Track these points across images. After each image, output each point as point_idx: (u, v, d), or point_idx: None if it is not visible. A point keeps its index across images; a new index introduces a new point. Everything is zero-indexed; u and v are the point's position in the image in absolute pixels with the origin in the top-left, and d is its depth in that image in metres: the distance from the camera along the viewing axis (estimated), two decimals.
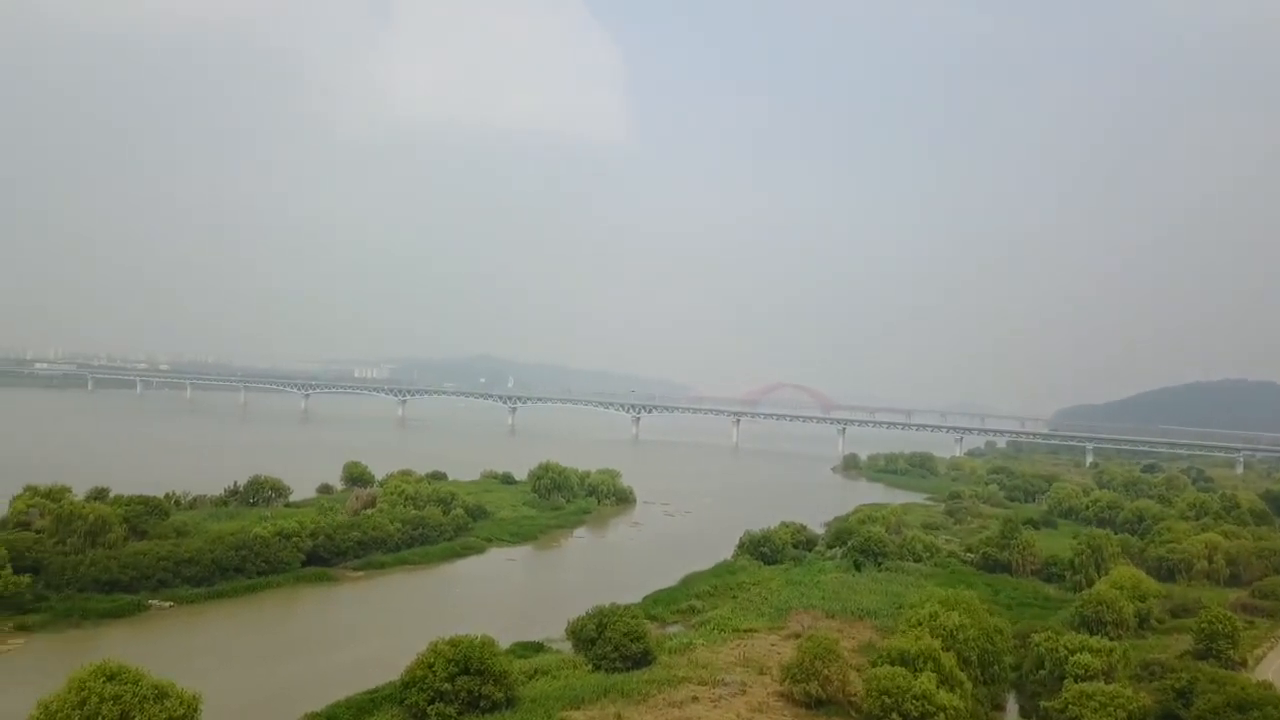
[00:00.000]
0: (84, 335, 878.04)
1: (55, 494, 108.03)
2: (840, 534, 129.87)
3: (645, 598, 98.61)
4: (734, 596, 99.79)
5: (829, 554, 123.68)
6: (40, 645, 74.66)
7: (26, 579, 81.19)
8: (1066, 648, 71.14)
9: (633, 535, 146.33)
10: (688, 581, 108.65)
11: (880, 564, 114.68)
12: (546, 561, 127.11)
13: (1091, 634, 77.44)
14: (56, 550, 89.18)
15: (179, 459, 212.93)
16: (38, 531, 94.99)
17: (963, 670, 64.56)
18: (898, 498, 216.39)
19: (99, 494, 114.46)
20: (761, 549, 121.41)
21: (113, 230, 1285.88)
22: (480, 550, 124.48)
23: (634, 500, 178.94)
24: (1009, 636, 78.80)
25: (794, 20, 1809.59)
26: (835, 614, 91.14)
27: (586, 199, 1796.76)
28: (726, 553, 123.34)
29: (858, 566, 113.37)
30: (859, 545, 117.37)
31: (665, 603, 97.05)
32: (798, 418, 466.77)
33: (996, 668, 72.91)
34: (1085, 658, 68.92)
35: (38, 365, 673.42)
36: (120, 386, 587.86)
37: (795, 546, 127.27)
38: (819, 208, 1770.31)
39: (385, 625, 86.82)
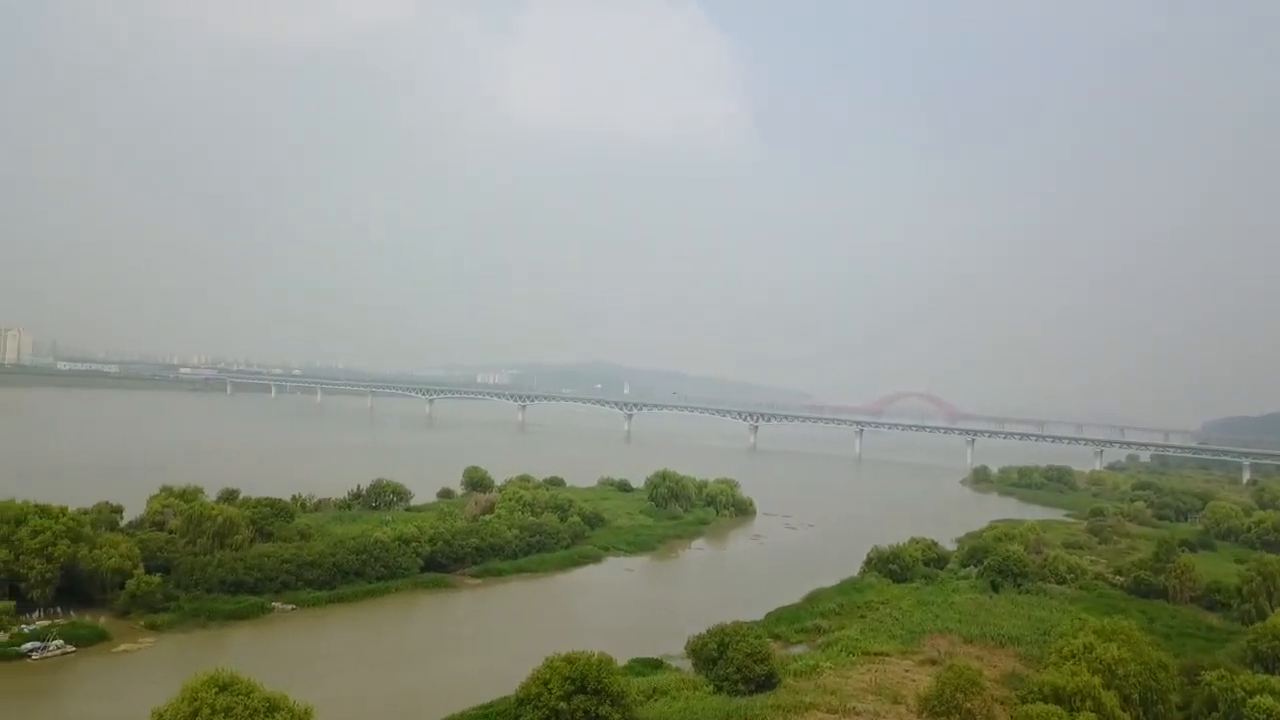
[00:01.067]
0: (224, 342, 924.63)
1: (188, 495, 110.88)
2: (975, 552, 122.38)
3: (768, 615, 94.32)
4: (862, 616, 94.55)
5: (963, 573, 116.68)
6: (168, 645, 75.65)
7: (157, 579, 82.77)
8: (1244, 688, 63.29)
9: (753, 548, 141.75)
10: (812, 599, 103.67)
11: (1020, 585, 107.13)
12: (664, 573, 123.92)
13: (1269, 672, 69.19)
14: (186, 551, 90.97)
15: (307, 461, 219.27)
16: (170, 532, 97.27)
17: (1124, 711, 58.11)
18: (1033, 514, 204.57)
19: (229, 496, 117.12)
20: (890, 566, 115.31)
21: (249, 243, 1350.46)
22: (597, 559, 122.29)
23: (754, 512, 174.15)
24: (1174, 673, 71.19)
25: (922, 17, 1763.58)
26: (974, 639, 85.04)
27: (703, 205, 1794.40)
28: (852, 569, 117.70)
29: (995, 587, 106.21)
30: (996, 564, 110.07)
31: (789, 621, 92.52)
32: (923, 428, 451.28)
33: (1161, 708, 65.64)
34: (1266, 700, 61.04)
35: (183, 370, 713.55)
36: (256, 390, 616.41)
37: (926, 564, 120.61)
38: (944, 212, 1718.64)
39: (501, 635, 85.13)
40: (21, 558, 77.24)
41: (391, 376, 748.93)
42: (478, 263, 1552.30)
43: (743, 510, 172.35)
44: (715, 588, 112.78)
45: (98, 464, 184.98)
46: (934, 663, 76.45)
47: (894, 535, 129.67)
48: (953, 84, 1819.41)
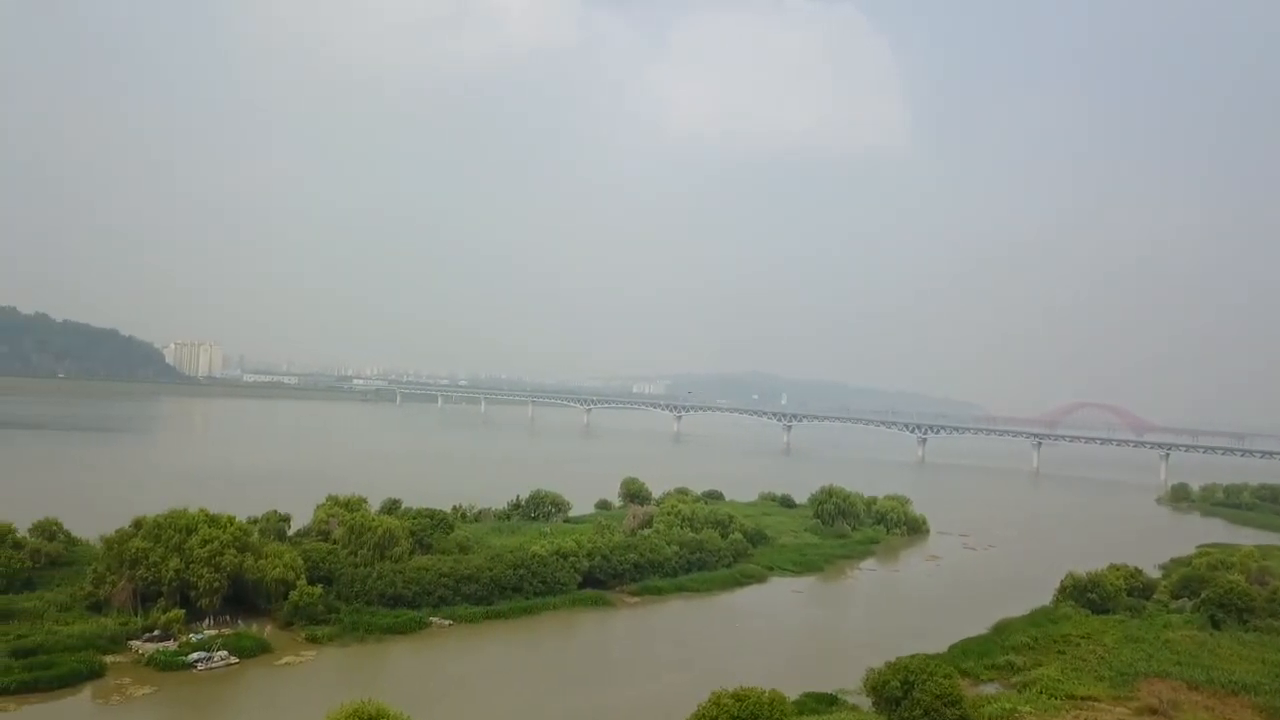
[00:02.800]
0: (395, 355, 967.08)
1: (353, 505, 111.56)
2: (1188, 581, 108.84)
3: (951, 647, 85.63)
4: (1060, 652, 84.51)
5: (1174, 605, 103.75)
6: (328, 659, 74.57)
7: (319, 590, 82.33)
8: None
9: (929, 571, 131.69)
10: (1000, 629, 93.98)
11: (1245, 622, 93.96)
12: (833, 596, 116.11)
13: None
14: (348, 562, 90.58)
15: (469, 470, 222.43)
16: (333, 542, 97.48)
17: None
18: (1245, 537, 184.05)
19: (391, 506, 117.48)
20: (1089, 595, 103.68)
21: (417, 259, 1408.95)
22: (761, 579, 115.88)
23: (927, 530, 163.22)
24: None
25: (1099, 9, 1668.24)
26: (1199, 685, 74.03)
27: (859, 209, 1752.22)
28: (1042, 596, 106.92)
29: (1215, 624, 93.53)
30: (1217, 597, 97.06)
31: (976, 655, 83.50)
32: (1109, 441, 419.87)
33: None
34: None
35: (356, 381, 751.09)
36: (423, 400, 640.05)
37: (1129, 594, 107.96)
38: (1108, 212, 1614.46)
39: (662, 659, 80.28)
40: (191, 566, 78.04)
41: (551, 386, 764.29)
42: (633, 275, 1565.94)
43: (915, 529, 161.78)
44: (889, 614, 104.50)
45: (273, 471, 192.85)
46: (1155, 712, 66.84)
47: (1086, 559, 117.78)
48: (1115, 83, 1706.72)
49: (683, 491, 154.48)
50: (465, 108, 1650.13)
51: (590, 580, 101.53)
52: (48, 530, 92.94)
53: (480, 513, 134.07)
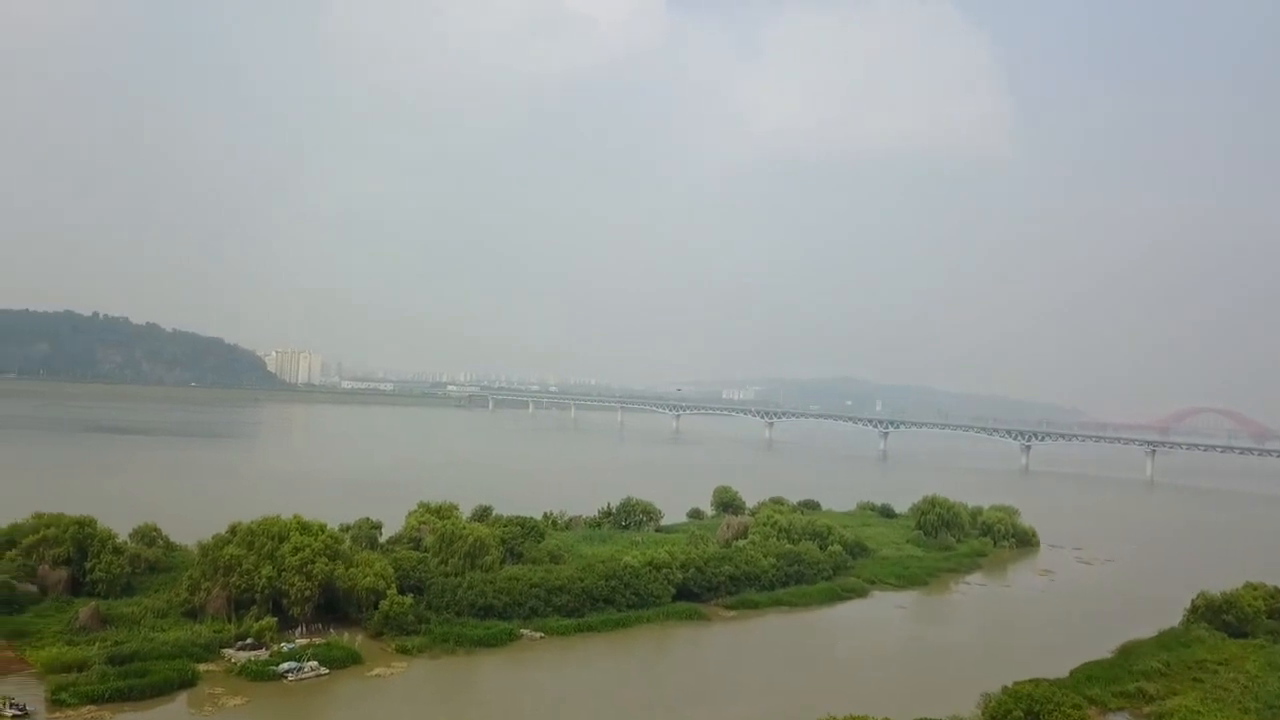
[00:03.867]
0: (487, 361, 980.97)
1: (444, 511, 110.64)
2: None
3: (1072, 672, 79.51)
4: (1197, 680, 77.82)
5: None
6: (419, 672, 72.89)
7: (409, 600, 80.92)
8: None
9: (1042, 586, 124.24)
10: (1126, 653, 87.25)
11: None
12: (939, 612, 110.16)
13: None
14: (438, 571, 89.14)
15: (559, 476, 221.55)
16: (424, 550, 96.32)
17: None
18: None
19: (482, 513, 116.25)
20: (1224, 617, 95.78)
21: (506, 268, 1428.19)
22: (862, 593, 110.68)
23: (1036, 543, 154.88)
24: None
25: None
26: None
27: (956, 210, 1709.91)
28: (1168, 616, 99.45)
29: None
30: None
31: (1102, 681, 77.21)
32: (1229, 449, 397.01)
33: None
34: None
35: (450, 387, 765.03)
36: (515, 406, 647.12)
37: (1270, 616, 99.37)
38: (1239, 211, 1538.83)
39: (761, 679, 76.31)
40: (283, 574, 77.44)
41: (639, 392, 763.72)
42: (724, 279, 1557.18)
43: (1024, 541, 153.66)
44: (1002, 633, 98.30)
45: (367, 476, 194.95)
46: None
47: (1216, 577, 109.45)
48: (1224, 74, 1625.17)
49: (778, 501, 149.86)
50: (549, 118, 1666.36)
51: (684, 593, 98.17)
52: (147, 535, 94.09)
53: (571, 520, 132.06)
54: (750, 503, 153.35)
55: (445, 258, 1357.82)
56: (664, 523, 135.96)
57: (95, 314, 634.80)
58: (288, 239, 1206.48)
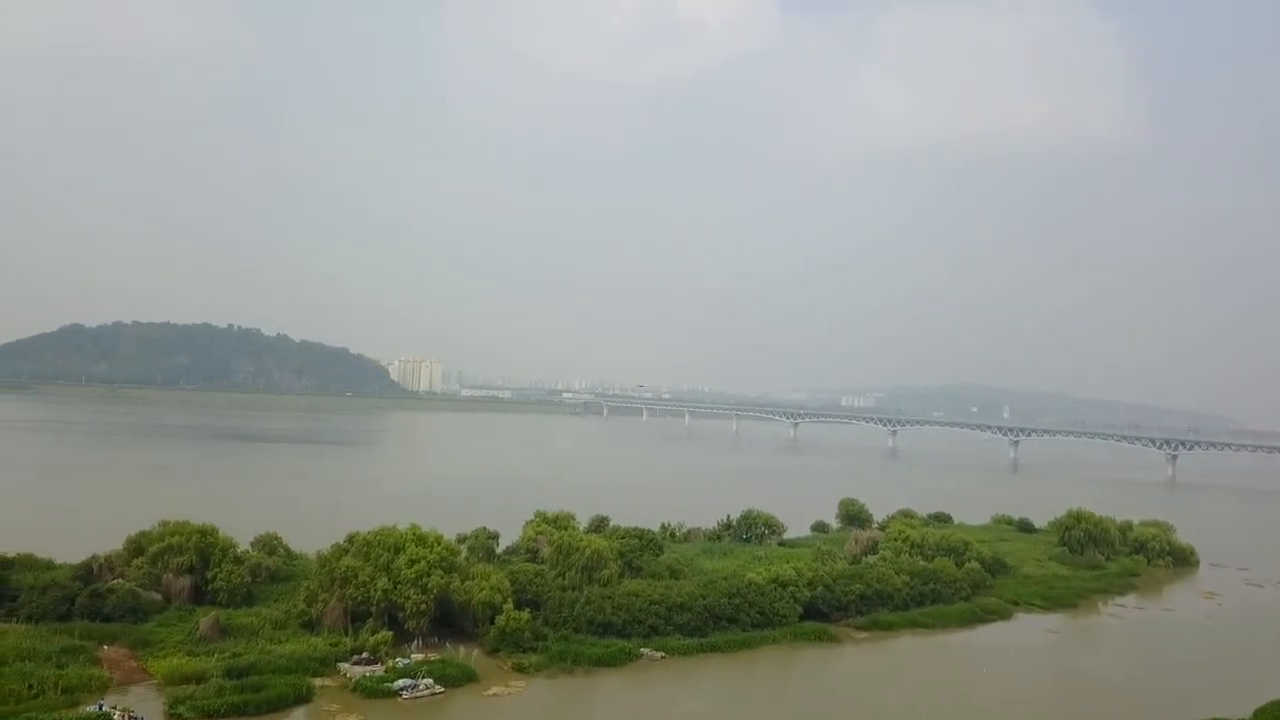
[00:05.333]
0: (601, 369, 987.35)
1: (561, 521, 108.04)
2: None
3: (1259, 712, 70.52)
4: None
5: None
6: (537, 693, 69.64)
7: (526, 616, 78.01)
8: None
9: (1208, 611, 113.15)
10: None
11: None
12: (1093, 638, 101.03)
13: None
14: (555, 584, 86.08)
15: (675, 485, 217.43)
16: (541, 561, 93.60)
17: None
18: None
19: (599, 524, 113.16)
20: None
21: (615, 275, 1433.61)
22: (1005, 615, 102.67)
23: (1195, 562, 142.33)
24: None
25: None
26: None
27: (1085, 209, 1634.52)
28: None
29: None
30: None
31: None
32: None
33: None
34: None
35: (565, 395, 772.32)
36: (629, 414, 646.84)
37: None
38: None
39: (898, 707, 70.57)
40: (399, 587, 75.58)
41: (755, 399, 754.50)
42: (842, 284, 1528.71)
43: (1181, 560, 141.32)
44: (1168, 664, 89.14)
45: (485, 483, 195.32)
46: None
47: None
48: None
49: (907, 514, 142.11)
50: (660, 123, 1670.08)
51: (812, 612, 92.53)
52: (269, 544, 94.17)
53: (689, 532, 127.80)
54: (877, 515, 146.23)
55: (559, 266, 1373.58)
56: (787, 536, 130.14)
57: (230, 326, 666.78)
58: (410, 253, 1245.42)
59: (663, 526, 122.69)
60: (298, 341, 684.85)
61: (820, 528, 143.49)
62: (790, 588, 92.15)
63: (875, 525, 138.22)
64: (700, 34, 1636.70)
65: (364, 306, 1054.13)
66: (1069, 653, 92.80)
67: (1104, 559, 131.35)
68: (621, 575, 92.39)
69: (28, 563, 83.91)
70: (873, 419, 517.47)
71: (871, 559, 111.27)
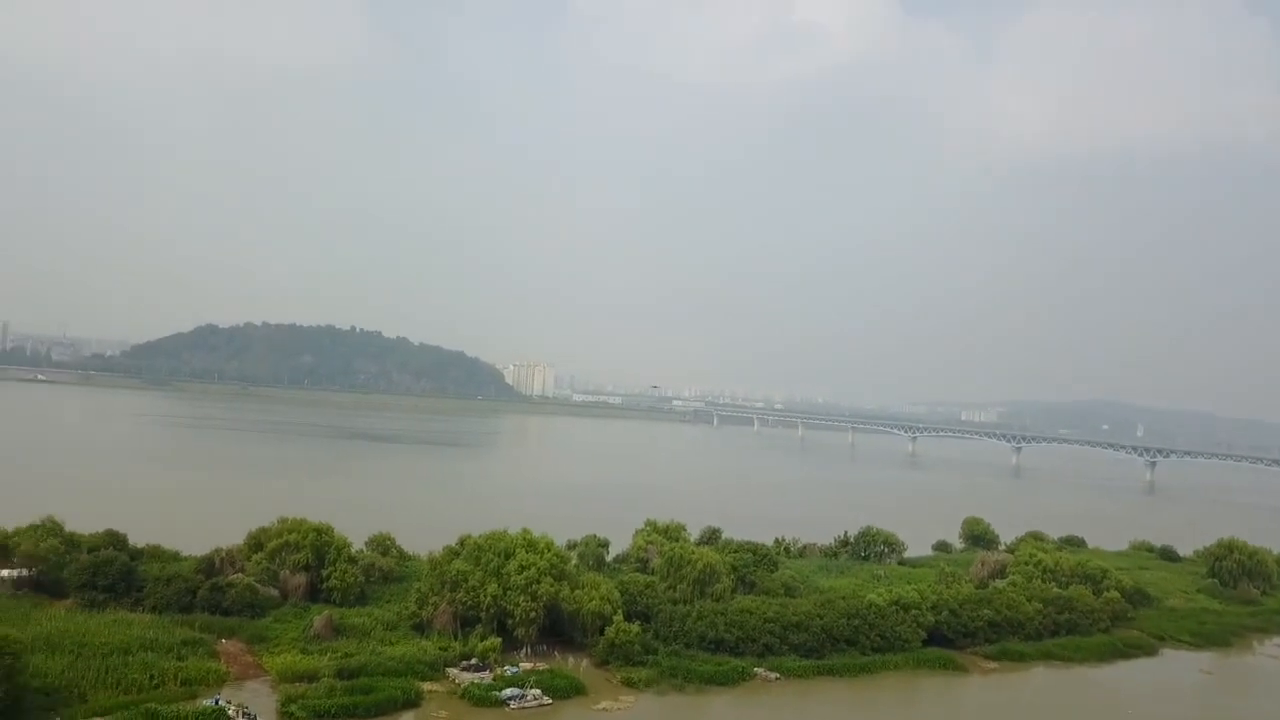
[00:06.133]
0: (712, 376, 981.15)
1: (672, 531, 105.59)
2: None
3: None
4: None
5: None
6: (646, 708, 67.32)
7: (636, 628, 75.74)
8: None
9: None
10: None
11: None
12: (1249, 680, 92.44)
13: None
14: (666, 597, 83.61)
15: (788, 497, 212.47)
16: (651, 572, 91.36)
17: None
18: None
19: (710, 536, 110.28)
20: None
21: (728, 284, 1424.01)
22: (1149, 650, 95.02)
23: None
24: None
25: None
26: None
27: (1243, 213, 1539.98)
28: None
29: None
30: None
31: None
32: None
33: None
34: None
35: (675, 402, 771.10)
36: (739, 423, 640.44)
37: None
38: None
39: None
40: (508, 593, 74.44)
41: (870, 412, 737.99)
42: (959, 296, 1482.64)
43: None
44: None
45: (596, 489, 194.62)
46: None
47: None
48: None
49: (1037, 536, 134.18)
50: (775, 130, 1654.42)
51: (936, 637, 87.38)
52: (382, 544, 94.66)
53: (804, 548, 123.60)
54: (1003, 536, 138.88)
55: (673, 276, 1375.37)
56: (907, 555, 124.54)
57: (353, 328, 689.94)
58: (525, 260, 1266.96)
59: (776, 541, 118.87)
60: (417, 344, 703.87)
61: (942, 548, 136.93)
62: (913, 611, 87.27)
63: (1002, 547, 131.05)
64: (819, 38, 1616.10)
65: (481, 311, 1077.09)
66: (1223, 696, 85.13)
67: (1259, 593, 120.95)
68: (734, 590, 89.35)
69: (155, 553, 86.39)
70: (995, 434, 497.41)
71: (999, 583, 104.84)
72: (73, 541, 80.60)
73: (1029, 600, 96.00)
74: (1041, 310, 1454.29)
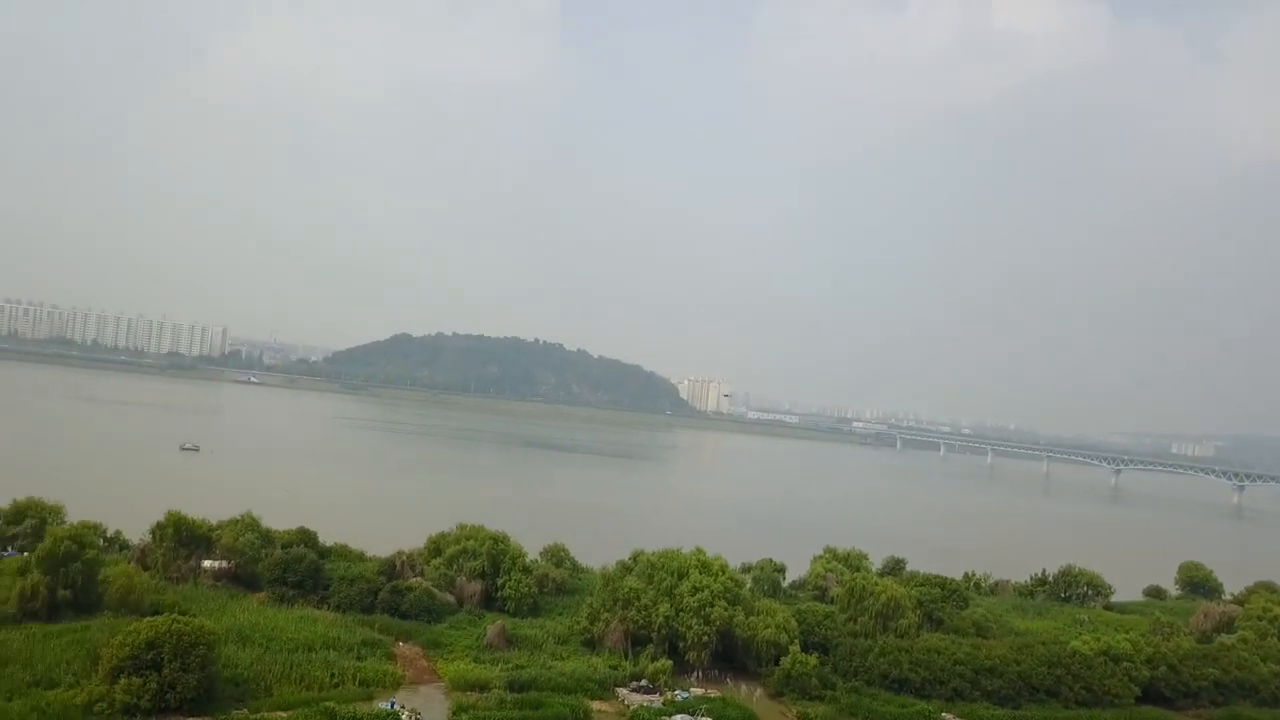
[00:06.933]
0: (896, 398, 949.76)
1: (852, 560, 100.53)
2: None
3: None
4: None
5: None
6: None
7: (814, 660, 71.59)
8: None
9: None
10: None
11: None
12: None
13: None
14: (846, 629, 78.91)
15: (974, 529, 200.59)
16: (830, 602, 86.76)
17: None
18: None
19: (894, 566, 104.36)
20: None
21: (921, 303, 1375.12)
22: None
23: None
24: None
25: None
26: None
27: None
28: None
29: None
30: None
31: None
32: None
33: None
34: None
35: (855, 424, 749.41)
36: (924, 448, 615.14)
37: None
38: None
39: None
40: (680, 615, 72.01)
41: (1068, 440, 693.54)
42: (1171, 315, 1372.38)
43: None
44: None
45: (771, 510, 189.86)
46: None
47: None
48: None
49: (1270, 588, 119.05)
50: (978, 142, 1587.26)
51: (1151, 694, 78.29)
52: (556, 555, 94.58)
53: (996, 584, 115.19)
54: (1228, 585, 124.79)
55: (851, 292, 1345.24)
56: (1114, 599, 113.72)
57: (536, 340, 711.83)
58: (702, 273, 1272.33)
59: (965, 575, 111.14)
60: (595, 357, 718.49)
61: (1155, 593, 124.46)
62: (1124, 663, 78.55)
63: (1227, 597, 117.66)
64: (1020, 47, 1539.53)
65: (658, 325, 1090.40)
66: None
67: None
68: (920, 627, 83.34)
69: (342, 552, 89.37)
70: (1213, 470, 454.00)
71: (1226, 639, 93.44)
72: (268, 537, 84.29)
73: (1264, 660, 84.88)
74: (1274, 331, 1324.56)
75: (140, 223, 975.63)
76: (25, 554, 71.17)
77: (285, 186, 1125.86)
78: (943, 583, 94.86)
